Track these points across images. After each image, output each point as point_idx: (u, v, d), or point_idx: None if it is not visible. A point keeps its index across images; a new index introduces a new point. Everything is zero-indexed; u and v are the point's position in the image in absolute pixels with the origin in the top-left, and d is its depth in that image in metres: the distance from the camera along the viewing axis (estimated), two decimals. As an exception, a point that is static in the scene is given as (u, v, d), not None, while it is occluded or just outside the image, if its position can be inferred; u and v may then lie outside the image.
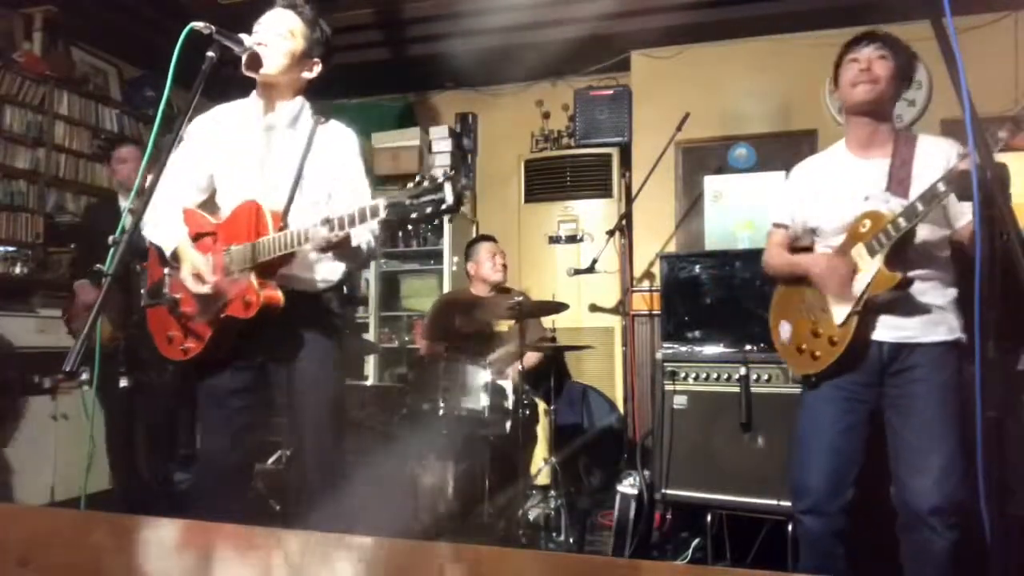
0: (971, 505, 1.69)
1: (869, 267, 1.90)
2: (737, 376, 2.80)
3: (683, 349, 3.09)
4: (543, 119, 4.92)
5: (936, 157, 1.90)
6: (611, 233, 3.81)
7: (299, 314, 1.91)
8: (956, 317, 1.92)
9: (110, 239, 1.49)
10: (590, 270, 3.70)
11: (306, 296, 1.93)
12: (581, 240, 4.50)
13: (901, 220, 1.83)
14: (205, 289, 1.82)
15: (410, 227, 4.86)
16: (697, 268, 3.35)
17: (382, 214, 1.60)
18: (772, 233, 2.25)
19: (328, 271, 1.98)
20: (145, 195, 1.52)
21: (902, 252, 1.89)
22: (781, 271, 2.19)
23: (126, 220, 1.55)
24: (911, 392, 1.90)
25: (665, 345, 3.23)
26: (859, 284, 1.92)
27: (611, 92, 4.58)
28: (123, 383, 2.89)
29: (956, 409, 1.86)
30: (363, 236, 1.86)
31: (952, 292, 1.94)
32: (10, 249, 3.88)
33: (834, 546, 1.99)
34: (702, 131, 4.17)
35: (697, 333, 3.23)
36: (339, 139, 2.01)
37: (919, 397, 1.89)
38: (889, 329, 1.93)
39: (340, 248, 1.77)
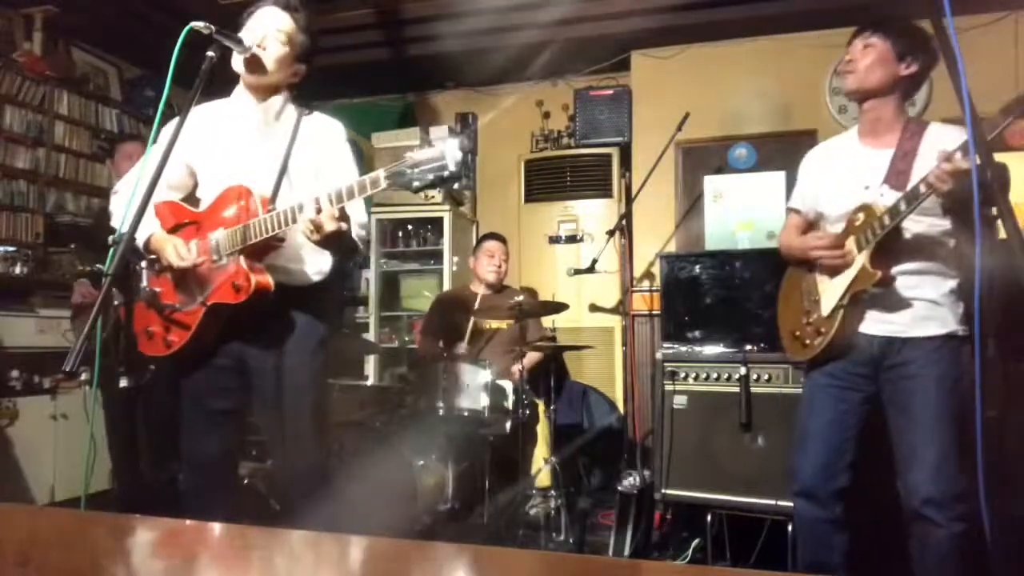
0: (973, 500, 1.69)
1: (856, 261, 1.92)
2: (737, 376, 2.80)
3: (683, 349, 3.09)
4: (543, 119, 4.92)
5: (941, 149, 1.85)
6: (611, 233, 3.81)
7: (287, 308, 1.89)
8: (951, 311, 1.90)
9: (110, 239, 1.49)
10: (590, 270, 3.70)
11: (295, 289, 1.91)
12: (581, 240, 4.50)
13: (886, 218, 1.84)
14: (188, 263, 1.80)
15: (410, 227, 4.88)
16: (697, 268, 3.34)
17: (383, 184, 1.57)
18: (787, 216, 2.28)
19: (317, 263, 1.95)
20: (144, 193, 1.52)
21: (890, 247, 1.89)
22: (789, 254, 2.21)
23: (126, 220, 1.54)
24: (904, 388, 1.91)
25: (665, 345, 3.23)
26: (846, 277, 1.94)
27: (611, 92, 4.58)
28: (123, 383, 2.89)
29: (951, 403, 1.84)
30: (353, 229, 1.82)
31: (950, 284, 1.92)
32: (10, 249, 3.87)
33: (829, 534, 2.00)
34: (702, 131, 4.18)
35: (697, 333, 3.23)
36: (324, 129, 1.99)
37: (911, 392, 1.89)
38: (878, 323, 1.95)
39: (336, 229, 1.68)
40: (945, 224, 1.90)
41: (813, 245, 2.05)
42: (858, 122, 2.09)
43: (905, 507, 1.89)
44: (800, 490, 2.04)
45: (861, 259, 1.90)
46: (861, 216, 1.93)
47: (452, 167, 1.49)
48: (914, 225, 1.90)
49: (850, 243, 1.94)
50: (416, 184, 1.51)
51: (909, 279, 1.91)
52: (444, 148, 1.50)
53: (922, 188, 1.75)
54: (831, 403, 2.01)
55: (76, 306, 3.39)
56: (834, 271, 1.99)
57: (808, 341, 2.05)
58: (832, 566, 1.99)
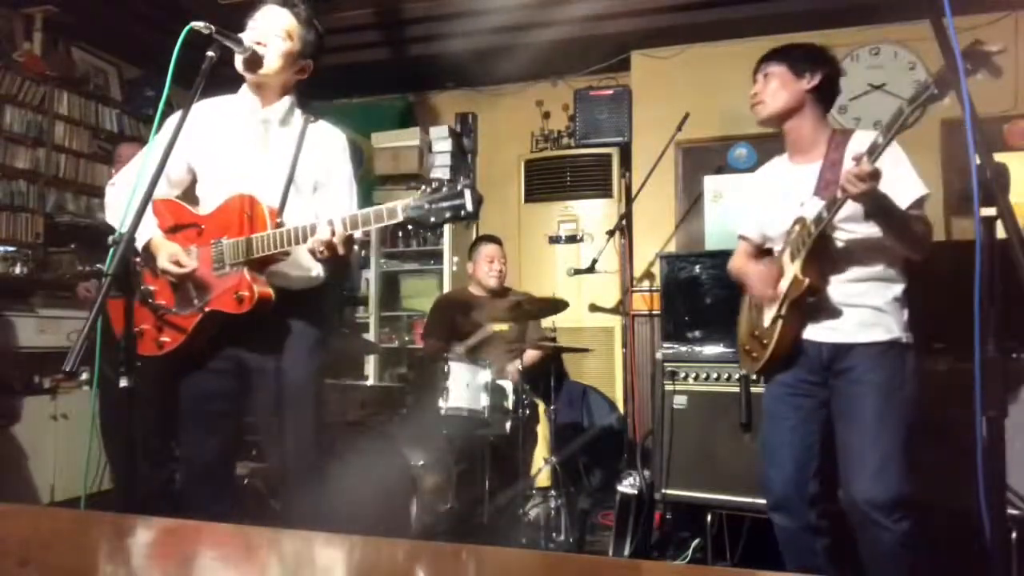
0: (916, 500, 1.81)
1: (790, 272, 1.96)
2: (737, 376, 2.80)
3: (683, 349, 3.09)
4: (543, 119, 4.92)
5: (855, 152, 1.88)
6: (611, 233, 3.81)
7: (282, 311, 1.89)
8: (895, 317, 1.93)
9: (110, 239, 1.48)
10: (590, 270, 3.70)
11: (290, 293, 1.91)
12: (581, 240, 4.50)
13: (812, 226, 1.89)
14: (185, 271, 1.82)
15: (410, 227, 4.88)
16: (697, 268, 3.34)
17: (399, 217, 1.61)
18: (739, 244, 2.32)
19: (314, 268, 1.96)
20: (143, 195, 1.52)
21: (825, 256, 1.92)
22: (736, 279, 2.28)
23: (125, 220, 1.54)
24: (849, 392, 1.93)
25: (665, 345, 3.23)
26: (782, 288, 1.98)
27: (611, 92, 4.58)
28: (123, 383, 2.88)
29: (894, 408, 1.87)
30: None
31: (895, 290, 1.95)
32: (10, 249, 3.88)
33: (810, 541, 2.01)
34: (702, 131, 4.17)
35: (697, 333, 3.23)
36: (328, 138, 2.01)
37: (856, 397, 1.91)
38: (825, 330, 1.97)
39: (344, 252, 1.73)
40: (860, 233, 1.92)
41: (752, 278, 2.11)
42: (785, 144, 2.15)
43: (850, 513, 1.89)
44: (774, 504, 2.05)
45: (793, 269, 1.94)
46: (796, 229, 1.98)
47: (470, 207, 1.56)
48: (848, 234, 1.93)
49: (786, 254, 2.00)
50: (433, 220, 1.58)
51: (853, 287, 1.94)
52: (462, 188, 1.56)
53: (838, 194, 1.78)
54: (790, 412, 2.03)
55: (84, 302, 3.42)
56: (764, 296, 2.05)
57: (755, 353, 2.09)
58: (819, 570, 2.00)
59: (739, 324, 2.27)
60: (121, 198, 1.81)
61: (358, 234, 1.81)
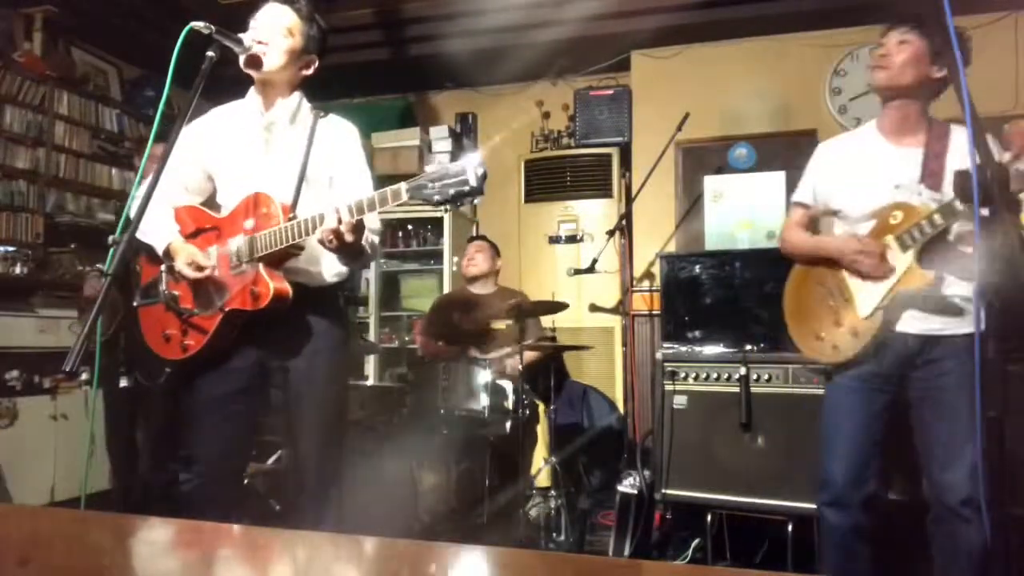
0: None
1: (900, 261, 1.88)
2: (737, 376, 2.79)
3: (683, 349, 3.09)
4: (543, 119, 4.92)
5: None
6: (611, 233, 3.81)
7: (305, 310, 1.89)
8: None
9: (110, 239, 1.48)
10: (590, 270, 3.70)
11: (313, 291, 1.91)
12: (581, 240, 4.50)
13: (937, 217, 1.82)
14: (204, 274, 1.82)
15: (410, 227, 4.88)
16: (697, 268, 3.35)
17: (404, 197, 1.58)
18: (792, 211, 2.22)
19: (335, 265, 1.96)
20: (144, 195, 1.52)
21: (934, 248, 1.86)
22: (803, 252, 2.15)
23: (125, 220, 1.54)
24: (940, 385, 1.88)
25: (665, 345, 3.23)
26: (888, 277, 1.90)
27: (611, 92, 4.58)
28: (123, 383, 2.89)
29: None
30: (366, 236, 1.84)
31: (971, 284, 1.90)
32: (10, 249, 3.87)
33: (855, 542, 1.97)
34: (702, 131, 4.17)
35: (697, 333, 3.23)
36: (340, 131, 2.01)
37: (948, 389, 1.86)
38: (916, 321, 1.91)
39: (353, 240, 1.70)
40: (968, 226, 1.87)
41: (855, 250, 1.95)
42: (880, 118, 2.04)
43: (935, 507, 1.86)
44: (830, 500, 1.99)
45: (908, 259, 1.87)
46: (899, 215, 1.89)
47: (473, 182, 1.51)
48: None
49: (890, 241, 1.91)
50: (437, 198, 1.53)
51: (945, 278, 1.90)
52: (465, 164, 1.52)
53: None
54: (862, 406, 1.97)
55: (87, 299, 3.39)
56: (872, 273, 1.93)
57: (838, 344, 1.99)
58: (855, 574, 1.96)
59: (792, 307, 2.14)
60: (149, 212, 1.82)
61: (373, 224, 1.80)
